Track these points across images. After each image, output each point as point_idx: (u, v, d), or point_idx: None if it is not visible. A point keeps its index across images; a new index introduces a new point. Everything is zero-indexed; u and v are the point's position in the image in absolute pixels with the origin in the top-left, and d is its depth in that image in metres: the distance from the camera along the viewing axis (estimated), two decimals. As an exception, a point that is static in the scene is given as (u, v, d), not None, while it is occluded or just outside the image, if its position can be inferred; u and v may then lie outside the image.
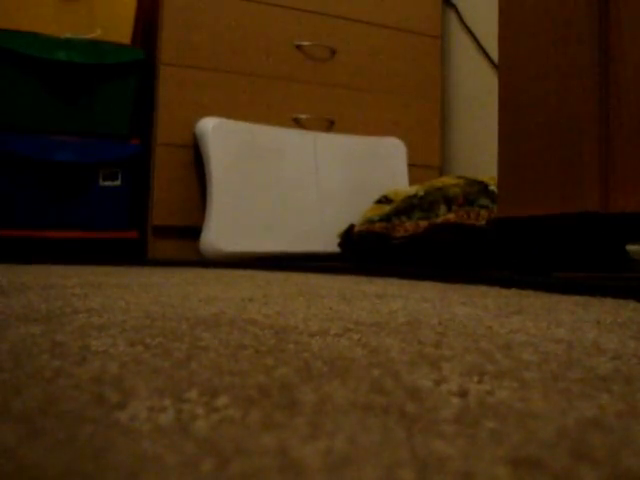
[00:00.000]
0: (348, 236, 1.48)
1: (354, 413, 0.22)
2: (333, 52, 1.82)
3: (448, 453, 0.18)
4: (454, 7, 2.04)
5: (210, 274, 1.03)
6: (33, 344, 0.34)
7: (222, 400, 0.23)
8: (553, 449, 0.19)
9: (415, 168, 1.91)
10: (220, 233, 1.55)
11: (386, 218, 1.41)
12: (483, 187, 1.37)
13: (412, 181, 1.87)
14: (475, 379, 0.28)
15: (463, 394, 0.25)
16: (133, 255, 1.64)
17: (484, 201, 1.34)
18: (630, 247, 1.16)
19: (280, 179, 1.68)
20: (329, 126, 1.81)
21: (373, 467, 0.17)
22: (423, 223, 1.30)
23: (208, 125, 1.60)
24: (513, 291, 0.75)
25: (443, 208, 1.36)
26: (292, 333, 0.39)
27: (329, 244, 1.69)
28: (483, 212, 1.20)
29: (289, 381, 0.26)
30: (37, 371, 0.27)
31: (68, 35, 1.53)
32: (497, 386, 0.27)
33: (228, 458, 0.17)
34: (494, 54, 1.89)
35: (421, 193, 1.41)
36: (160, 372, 0.28)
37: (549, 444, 0.19)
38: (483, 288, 0.80)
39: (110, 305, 0.52)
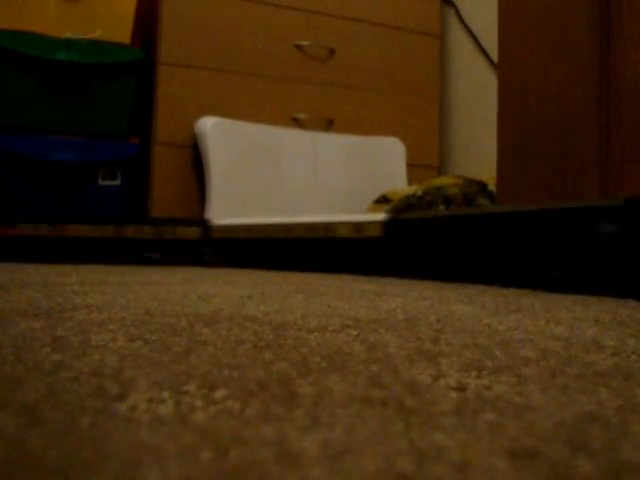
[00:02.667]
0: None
1: (353, 406, 0.22)
2: (332, 52, 1.82)
3: (446, 444, 0.18)
4: (453, 6, 2.04)
5: (209, 273, 1.03)
6: (34, 338, 0.34)
7: (221, 392, 0.23)
8: (551, 441, 0.19)
9: (414, 168, 1.91)
10: (219, 232, 1.55)
11: (385, 218, 1.41)
12: (482, 187, 1.37)
13: (411, 181, 1.87)
14: (473, 374, 0.28)
15: (461, 388, 0.25)
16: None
17: (483, 201, 1.34)
18: None
19: (279, 178, 1.68)
20: (328, 126, 1.81)
21: (371, 457, 0.17)
22: (422, 223, 1.30)
23: (207, 124, 1.60)
24: (512, 289, 0.75)
25: (442, 208, 1.36)
26: (290, 329, 0.39)
27: (328, 244, 1.69)
28: (482, 212, 1.20)
29: (287, 375, 0.27)
30: (38, 364, 0.27)
31: (68, 35, 1.53)
32: (495, 381, 0.27)
33: (227, 448, 0.17)
34: (493, 53, 1.89)
35: (419, 193, 1.41)
36: (159, 365, 0.28)
37: (547, 436, 0.19)
38: (481, 287, 0.80)
39: (110, 302, 0.52)
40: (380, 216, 1.15)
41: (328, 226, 1.19)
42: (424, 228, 1.09)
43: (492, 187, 1.33)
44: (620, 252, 0.77)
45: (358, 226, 1.16)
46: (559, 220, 0.86)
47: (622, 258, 0.76)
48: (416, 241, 1.11)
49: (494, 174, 1.02)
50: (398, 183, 1.82)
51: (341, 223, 1.18)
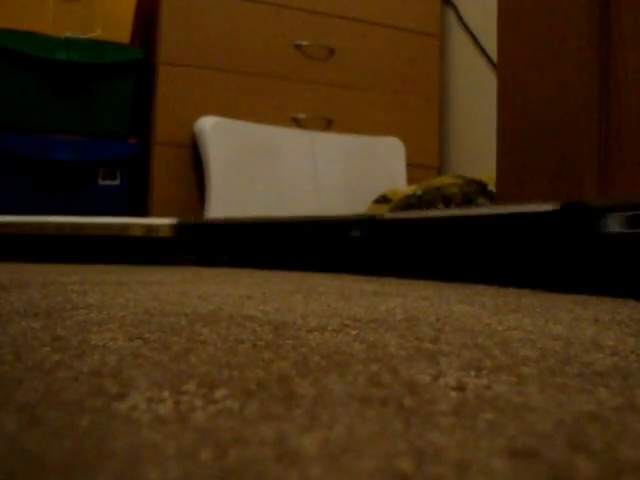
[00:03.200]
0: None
1: (352, 405, 0.22)
2: (332, 51, 1.82)
3: (445, 444, 0.18)
4: (453, 6, 2.04)
5: (208, 272, 1.03)
6: (33, 338, 0.34)
7: (220, 392, 0.23)
8: (550, 441, 0.19)
9: (413, 167, 1.91)
10: (219, 232, 1.55)
11: (385, 218, 1.41)
12: (481, 187, 1.37)
13: (410, 181, 1.87)
14: (473, 374, 0.28)
15: (461, 388, 0.25)
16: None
17: (482, 201, 1.34)
18: None
19: (278, 178, 1.68)
20: (327, 125, 1.81)
21: (371, 456, 0.17)
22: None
23: (207, 124, 1.60)
24: (511, 289, 0.75)
25: (441, 207, 1.36)
26: (290, 329, 0.39)
27: (328, 244, 1.69)
28: (482, 212, 1.20)
29: (287, 374, 0.27)
30: (37, 364, 0.27)
31: (68, 34, 1.53)
32: (495, 380, 0.27)
33: (226, 447, 0.17)
34: (493, 53, 1.89)
35: (419, 193, 1.41)
36: (159, 365, 0.28)
37: (546, 436, 0.19)
38: (481, 286, 0.80)
39: (109, 301, 0.52)
40: (170, 220, 1.32)
41: (124, 226, 1.33)
42: (209, 231, 1.26)
43: (492, 187, 1.33)
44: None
45: (149, 227, 1.31)
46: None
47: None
48: (206, 241, 1.28)
49: (494, 174, 1.02)
50: (398, 183, 1.82)
51: (134, 225, 1.33)
